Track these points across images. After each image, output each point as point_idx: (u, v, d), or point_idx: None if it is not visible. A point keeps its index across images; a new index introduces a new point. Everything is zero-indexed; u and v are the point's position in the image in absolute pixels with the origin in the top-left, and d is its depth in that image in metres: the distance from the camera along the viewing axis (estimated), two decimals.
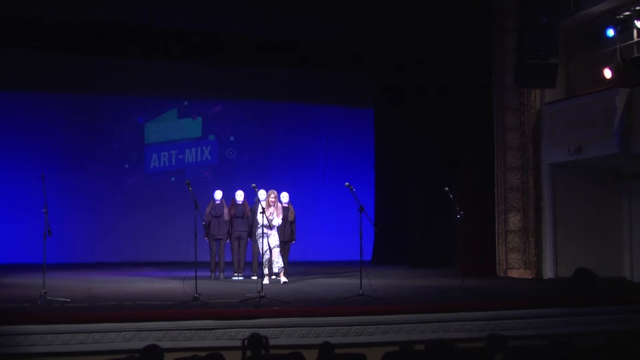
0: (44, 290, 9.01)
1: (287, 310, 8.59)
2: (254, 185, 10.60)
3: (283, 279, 12.01)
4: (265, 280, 11.52)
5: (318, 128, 18.60)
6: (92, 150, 17.08)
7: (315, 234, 17.48)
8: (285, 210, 12.63)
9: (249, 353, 6.69)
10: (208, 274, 12.77)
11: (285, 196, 12.81)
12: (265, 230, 11.60)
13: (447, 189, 10.99)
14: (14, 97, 16.58)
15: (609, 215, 13.49)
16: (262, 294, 9.11)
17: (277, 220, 12.03)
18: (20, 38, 14.60)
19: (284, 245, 12.68)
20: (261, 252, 11.85)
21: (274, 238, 11.95)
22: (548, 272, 13.34)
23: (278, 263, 11.97)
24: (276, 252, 11.96)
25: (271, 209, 11.85)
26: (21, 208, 15.92)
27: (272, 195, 11.96)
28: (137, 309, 8.56)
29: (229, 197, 13.12)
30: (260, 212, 11.07)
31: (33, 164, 15.89)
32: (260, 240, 11.74)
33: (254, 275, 12.55)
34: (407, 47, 14.92)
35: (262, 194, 12.19)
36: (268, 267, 11.83)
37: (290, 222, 12.80)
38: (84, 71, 16.63)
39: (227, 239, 12.91)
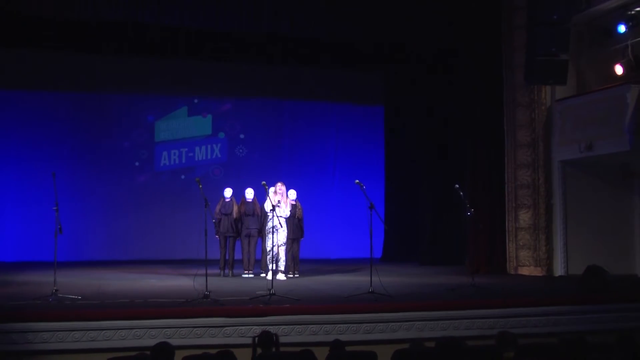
0: (55, 288, 9.07)
1: (298, 308, 8.60)
2: (264, 182, 10.62)
3: (282, 276, 12.11)
4: (269, 276, 11.59)
5: (328, 125, 18.59)
6: (103, 148, 17.13)
7: (326, 232, 17.50)
8: (292, 207, 12.66)
9: (259, 350, 6.69)
10: (218, 271, 12.78)
11: (292, 193, 12.83)
12: (274, 224, 11.60)
13: (457, 186, 10.99)
14: (24, 96, 16.64)
15: (620, 212, 13.44)
16: (273, 291, 9.13)
17: (285, 211, 12.11)
18: (29, 37, 14.64)
19: (293, 242, 12.72)
20: (267, 248, 12.00)
21: (282, 235, 11.98)
22: (559, 270, 13.30)
23: (281, 261, 12.09)
24: (282, 250, 12.01)
25: (278, 196, 11.90)
26: (32, 206, 15.98)
27: (279, 185, 12.01)
28: (147, 306, 8.57)
29: (239, 194, 13.14)
30: (271, 210, 11.07)
31: (44, 162, 15.96)
32: (269, 236, 11.84)
33: (263, 273, 12.57)
34: (417, 44, 14.93)
35: (272, 191, 12.29)
36: (274, 263, 11.89)
37: (298, 219, 12.80)
38: (94, 70, 16.65)
39: (237, 237, 12.94)
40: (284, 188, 12.20)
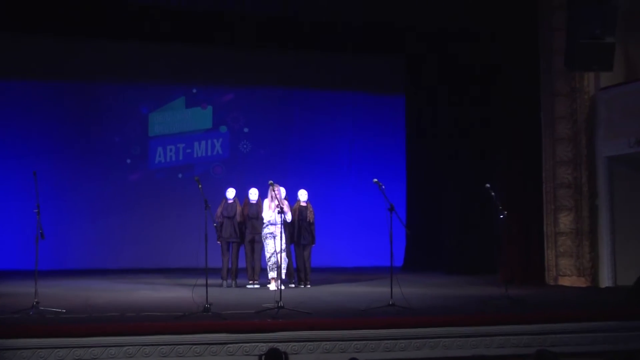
0: (36, 300, 9.05)
1: (309, 322, 8.57)
2: (271, 182, 10.59)
3: (272, 286, 12.27)
4: (272, 286, 12.07)
5: (342, 118, 18.57)
6: (90, 143, 17.15)
7: (340, 237, 17.47)
8: (303, 209, 12.67)
9: None
10: (220, 281, 12.77)
11: (303, 194, 12.87)
12: (272, 230, 12.03)
13: (488, 185, 10.95)
14: (2, 86, 16.63)
15: None
16: (281, 303, 9.10)
17: (289, 216, 12.37)
18: (5, 19, 14.60)
19: (304, 248, 12.76)
20: (267, 254, 12.25)
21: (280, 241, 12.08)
22: (605, 280, 13.20)
23: (284, 268, 12.20)
24: (284, 255, 12.10)
25: (275, 202, 11.95)
26: (10, 208, 16.01)
27: (274, 189, 12.02)
28: (140, 320, 8.55)
29: (242, 195, 13.12)
30: (279, 212, 11.06)
31: (23, 159, 15.97)
32: (267, 242, 12.23)
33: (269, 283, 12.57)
34: (443, 26, 14.87)
35: (281, 193, 12.34)
36: (276, 271, 12.05)
37: (309, 222, 12.80)
38: (81, 56, 16.67)
39: (241, 242, 12.93)
40: (279, 192, 12.20)
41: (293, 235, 12.69)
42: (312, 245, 12.96)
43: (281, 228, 11.24)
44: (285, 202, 12.32)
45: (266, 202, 12.31)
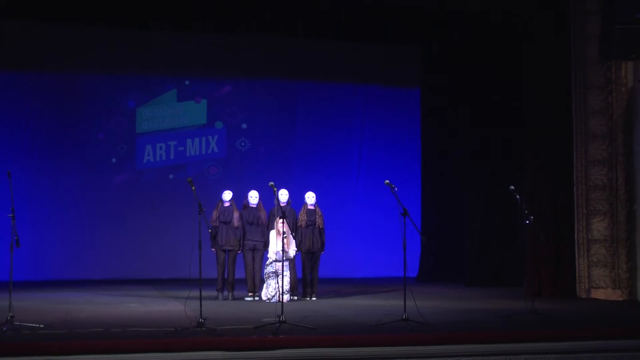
0: (10, 314, 9.04)
1: (314, 339, 8.54)
2: (271, 183, 10.58)
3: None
4: (268, 293, 12.37)
5: (351, 112, 18.57)
6: (71, 141, 17.15)
7: (348, 245, 17.49)
8: (312, 213, 12.74)
9: None
10: (215, 293, 12.81)
11: (311, 197, 12.90)
12: (277, 267, 12.20)
13: (512, 187, 10.94)
14: None
15: None
16: (283, 318, 9.09)
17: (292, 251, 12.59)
18: None
19: (312, 256, 12.80)
20: (268, 296, 12.41)
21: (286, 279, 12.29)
22: None
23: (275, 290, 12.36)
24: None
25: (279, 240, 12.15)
26: None
27: (280, 223, 12.16)
28: (127, 337, 8.55)
29: (240, 198, 13.13)
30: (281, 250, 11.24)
31: None
32: (268, 282, 12.44)
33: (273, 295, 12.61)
34: (463, 10, 14.84)
35: (282, 195, 12.37)
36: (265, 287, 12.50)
37: (320, 228, 12.83)
38: (61, 43, 16.65)
39: (238, 250, 12.93)
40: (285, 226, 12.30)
41: (301, 243, 12.75)
42: (321, 253, 13.01)
43: (284, 267, 11.57)
44: (291, 239, 12.41)
45: (272, 235, 12.46)
